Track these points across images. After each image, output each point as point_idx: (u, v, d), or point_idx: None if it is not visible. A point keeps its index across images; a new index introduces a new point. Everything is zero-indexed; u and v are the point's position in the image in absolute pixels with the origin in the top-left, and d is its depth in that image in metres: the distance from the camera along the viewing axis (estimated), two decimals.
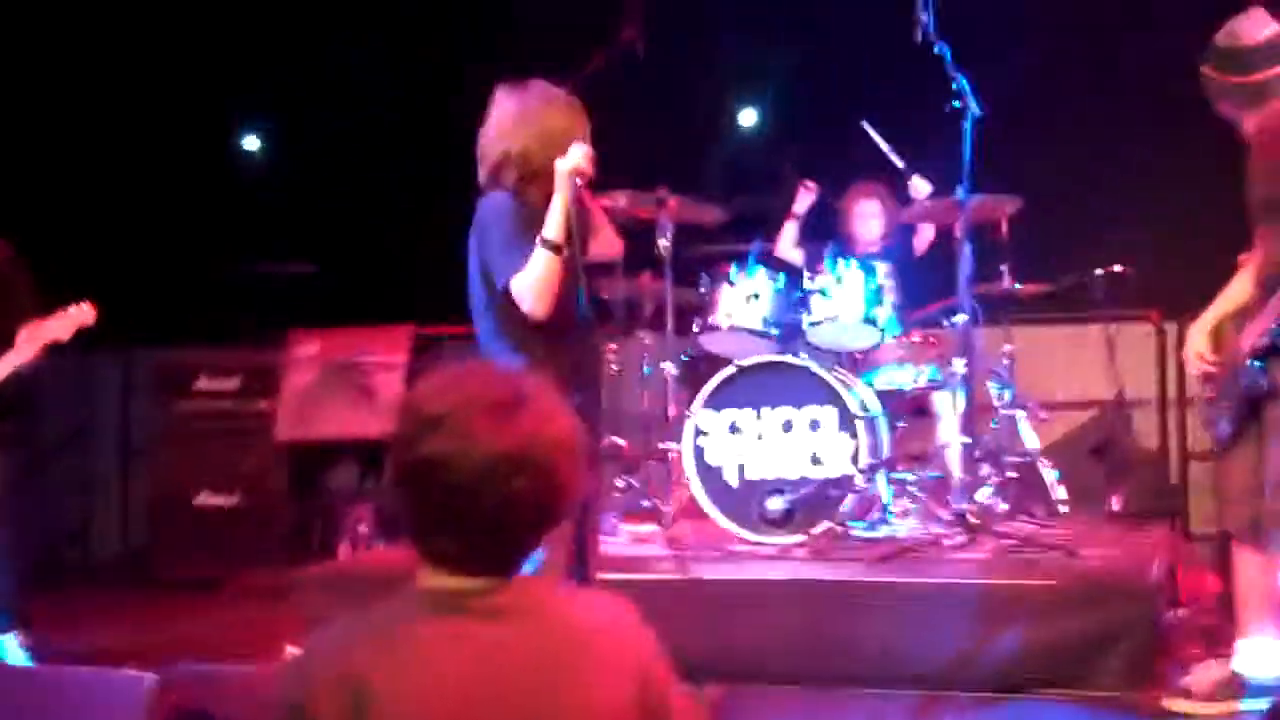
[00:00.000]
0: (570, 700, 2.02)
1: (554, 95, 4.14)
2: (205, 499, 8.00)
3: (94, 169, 8.70)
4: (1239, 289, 4.65)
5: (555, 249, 3.91)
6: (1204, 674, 4.70)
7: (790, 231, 7.29)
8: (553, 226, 3.92)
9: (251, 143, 9.51)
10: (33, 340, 5.51)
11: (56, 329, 5.52)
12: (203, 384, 8.16)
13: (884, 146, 6.93)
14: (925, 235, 7.19)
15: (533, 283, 3.92)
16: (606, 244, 4.37)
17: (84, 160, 8.69)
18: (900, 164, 6.94)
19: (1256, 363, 4.40)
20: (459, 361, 2.14)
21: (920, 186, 6.95)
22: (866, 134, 7.01)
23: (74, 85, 8.70)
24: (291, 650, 5.75)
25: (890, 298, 6.61)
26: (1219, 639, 5.54)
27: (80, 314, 5.53)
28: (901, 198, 7.07)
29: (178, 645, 6.13)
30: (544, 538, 2.13)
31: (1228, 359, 4.55)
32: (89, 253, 8.07)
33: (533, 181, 4.06)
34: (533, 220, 3.99)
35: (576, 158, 3.96)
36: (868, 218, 7.20)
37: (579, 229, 3.99)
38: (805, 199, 7.23)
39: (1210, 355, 4.63)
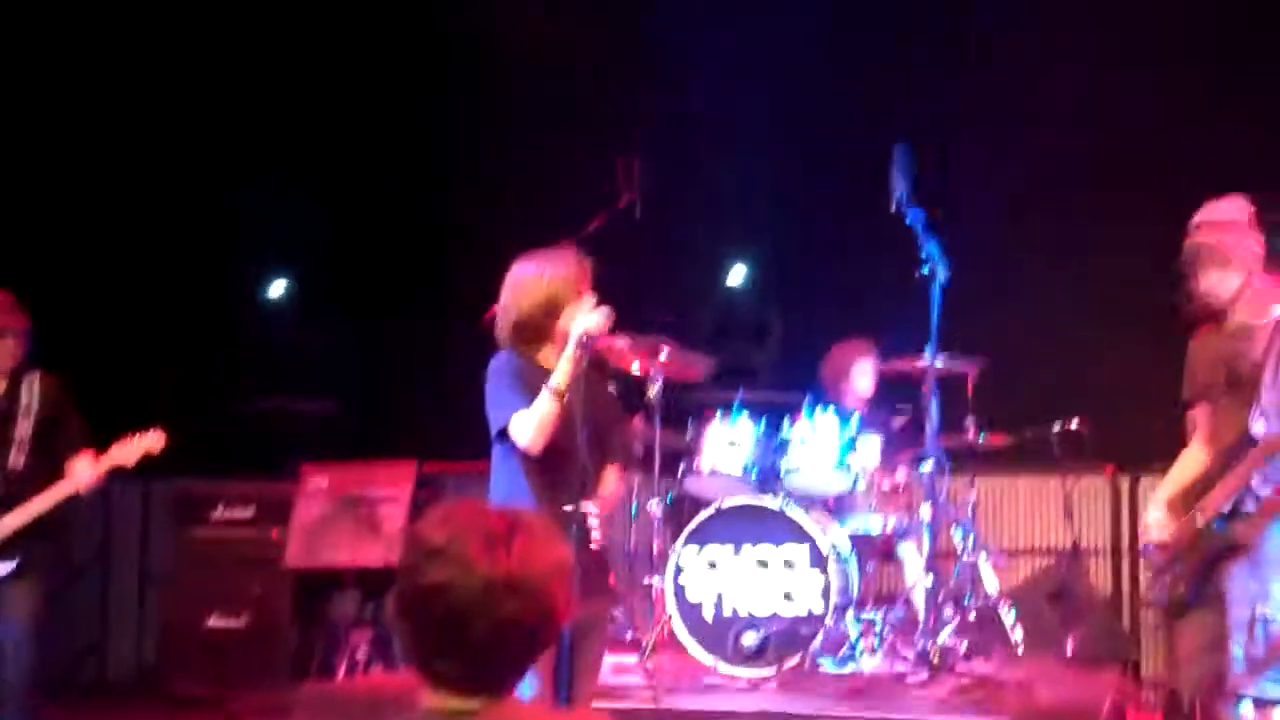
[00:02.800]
0: None
1: (555, 263, 4.45)
2: (215, 621, 8.22)
3: (122, 310, 9.11)
4: (1191, 462, 4.89)
5: (558, 395, 4.23)
6: None
7: None
8: (559, 375, 4.26)
9: (276, 288, 9.92)
10: (100, 465, 5.67)
11: (123, 455, 5.69)
12: (219, 513, 8.44)
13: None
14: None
15: (532, 421, 4.25)
16: (607, 487, 4.55)
17: (113, 301, 9.11)
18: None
19: (1218, 524, 4.61)
20: (458, 497, 2.36)
21: None
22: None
23: (102, 226, 9.14)
24: None
25: (869, 448, 6.90)
26: None
27: (149, 440, 5.69)
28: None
29: None
30: (537, 658, 2.28)
31: (1184, 528, 4.74)
32: (114, 389, 8.42)
33: (532, 341, 4.43)
34: (532, 374, 4.35)
35: (590, 318, 4.29)
36: (865, 374, 7.45)
37: (589, 385, 4.30)
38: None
39: (1168, 525, 4.80)
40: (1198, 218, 4.79)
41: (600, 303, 4.36)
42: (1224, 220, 4.74)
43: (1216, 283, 4.70)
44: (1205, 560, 4.66)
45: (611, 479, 4.58)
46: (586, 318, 4.31)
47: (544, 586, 2.20)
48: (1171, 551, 4.79)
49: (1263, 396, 4.56)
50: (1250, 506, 4.57)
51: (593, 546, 4.31)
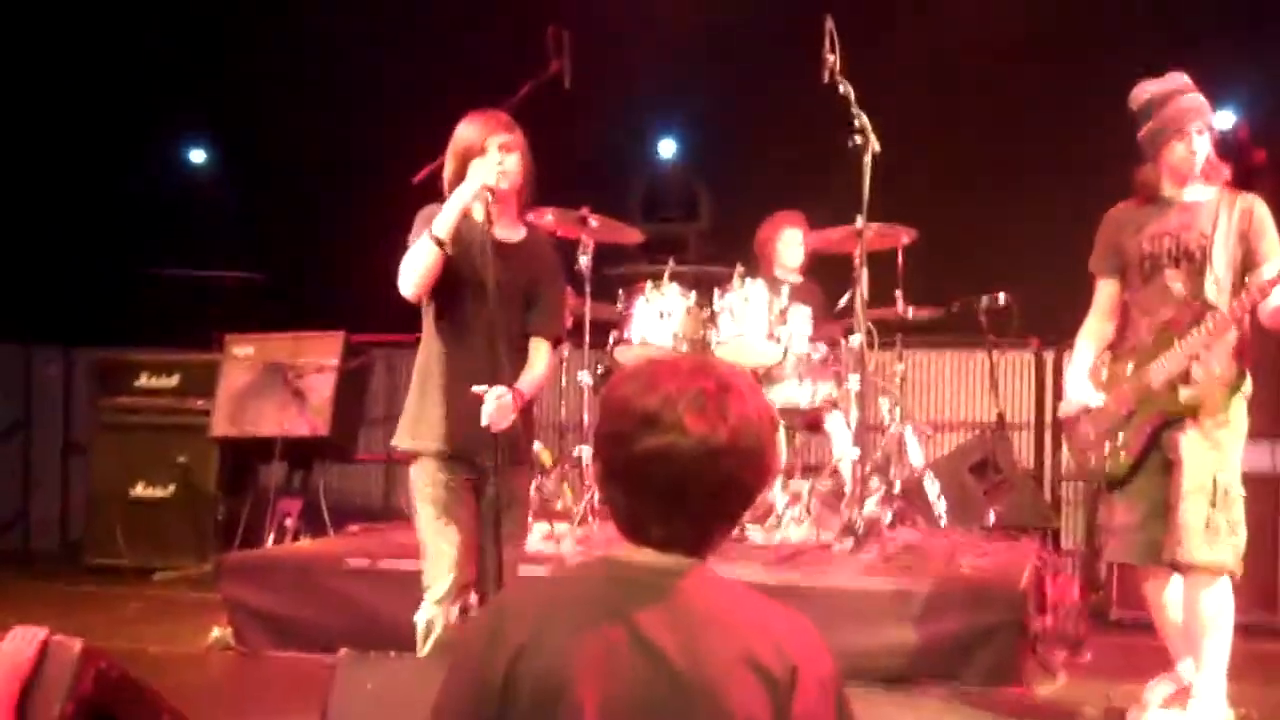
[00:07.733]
0: (716, 701, 2.05)
1: (479, 121, 4.39)
2: (140, 490, 8.23)
3: (46, 174, 8.90)
4: (1096, 336, 4.83)
5: (436, 241, 4.19)
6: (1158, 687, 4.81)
7: None
8: (438, 221, 4.21)
9: (198, 155, 9.74)
10: None
11: None
12: (143, 381, 8.38)
13: None
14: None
15: (404, 264, 4.23)
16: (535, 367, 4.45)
17: (36, 165, 8.89)
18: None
19: (1168, 392, 4.53)
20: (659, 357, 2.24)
21: None
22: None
23: (31, 91, 8.92)
24: (218, 634, 6.09)
25: (798, 320, 6.82)
26: (1082, 644, 6.01)
27: None
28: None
29: (106, 627, 6.40)
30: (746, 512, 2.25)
31: (1122, 397, 4.66)
32: (36, 253, 8.29)
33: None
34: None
35: (479, 168, 4.23)
36: (793, 244, 7.40)
37: (508, 257, 4.26)
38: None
39: (1097, 394, 4.74)
40: (1182, 80, 4.63)
41: (511, 160, 4.29)
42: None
43: (1204, 145, 4.58)
44: (1153, 428, 4.60)
45: (541, 357, 4.47)
46: (479, 168, 4.24)
47: (760, 443, 2.15)
48: (1109, 421, 4.71)
49: (1215, 266, 4.52)
50: (1199, 375, 4.52)
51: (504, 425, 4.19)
